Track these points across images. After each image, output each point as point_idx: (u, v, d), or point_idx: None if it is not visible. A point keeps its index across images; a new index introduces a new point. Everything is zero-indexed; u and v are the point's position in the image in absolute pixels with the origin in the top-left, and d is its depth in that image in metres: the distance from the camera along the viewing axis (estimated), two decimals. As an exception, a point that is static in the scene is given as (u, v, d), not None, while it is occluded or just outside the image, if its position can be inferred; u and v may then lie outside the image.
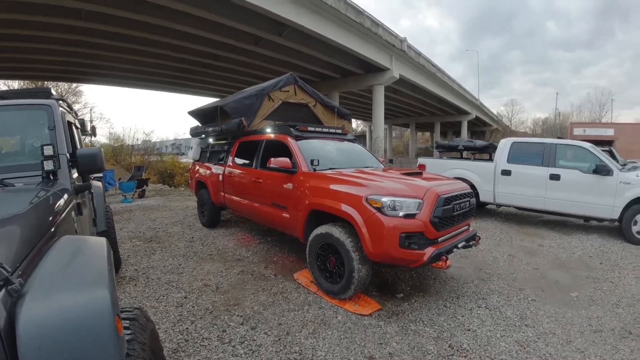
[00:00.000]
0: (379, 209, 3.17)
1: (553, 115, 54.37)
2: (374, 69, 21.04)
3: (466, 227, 3.93)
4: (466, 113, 41.02)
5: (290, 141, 4.50)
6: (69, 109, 3.51)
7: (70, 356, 1.04)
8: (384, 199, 3.16)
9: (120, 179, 11.45)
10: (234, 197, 5.57)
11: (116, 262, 4.28)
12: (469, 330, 3.05)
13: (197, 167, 7.04)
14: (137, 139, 24.07)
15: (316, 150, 4.57)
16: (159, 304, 3.48)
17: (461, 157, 9.07)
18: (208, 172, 6.44)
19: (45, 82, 24.75)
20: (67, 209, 2.16)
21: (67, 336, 1.05)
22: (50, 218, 1.81)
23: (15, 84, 26.84)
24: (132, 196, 10.34)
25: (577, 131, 27.31)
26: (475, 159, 8.38)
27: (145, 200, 10.29)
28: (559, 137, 9.15)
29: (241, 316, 3.23)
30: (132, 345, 1.33)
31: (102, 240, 1.73)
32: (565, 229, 6.93)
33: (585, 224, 7.13)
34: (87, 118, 28.74)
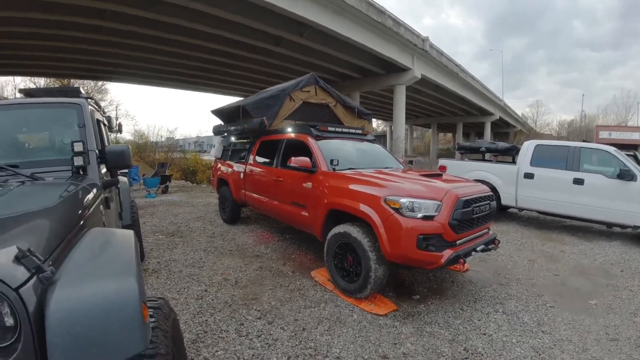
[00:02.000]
0: (397, 210, 3.18)
1: (579, 117, 52.71)
2: (395, 69, 20.88)
3: (486, 230, 3.90)
4: (489, 114, 40.15)
5: (311, 141, 4.56)
6: (97, 107, 3.65)
7: (98, 340, 1.09)
8: (403, 200, 3.18)
9: (144, 174, 11.77)
10: (254, 194, 5.67)
11: (140, 255, 4.44)
12: (484, 334, 3.04)
13: (219, 165, 7.19)
14: (161, 136, 24.70)
15: (336, 150, 4.61)
16: (180, 296, 3.61)
17: (483, 159, 8.93)
18: (230, 170, 6.57)
19: (72, 80, 25.59)
20: (96, 203, 2.25)
21: (95, 321, 1.10)
22: (80, 211, 1.89)
23: (41, 81, 27.90)
24: (155, 192, 10.60)
25: (603, 134, 26.26)
26: (497, 162, 8.24)
27: (169, 196, 10.54)
28: (584, 140, 8.90)
29: (259, 311, 3.31)
30: (155, 333, 1.39)
31: (130, 233, 1.81)
32: (588, 234, 6.75)
33: (608, 230, 6.94)
34: (113, 115, 29.67)
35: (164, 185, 11.16)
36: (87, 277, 1.26)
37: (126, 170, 8.09)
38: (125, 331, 1.14)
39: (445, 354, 2.72)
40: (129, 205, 4.17)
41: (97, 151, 2.71)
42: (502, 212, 8.14)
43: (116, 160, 2.66)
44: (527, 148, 7.25)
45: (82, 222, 1.82)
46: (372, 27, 16.60)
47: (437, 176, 4.09)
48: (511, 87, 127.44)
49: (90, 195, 2.20)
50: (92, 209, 2.10)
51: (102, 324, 1.11)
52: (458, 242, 3.32)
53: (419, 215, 3.15)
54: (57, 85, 27.39)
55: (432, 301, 3.64)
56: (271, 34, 15.10)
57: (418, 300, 3.66)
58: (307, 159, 4.23)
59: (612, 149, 6.50)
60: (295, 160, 4.22)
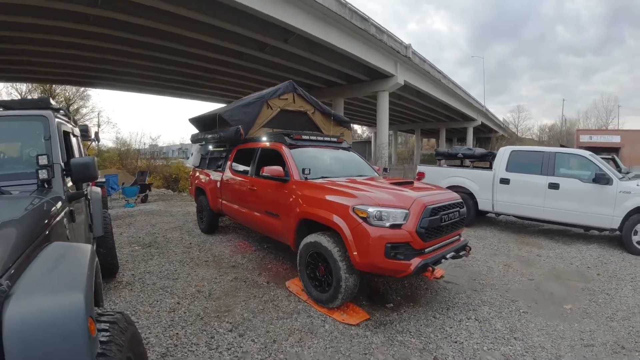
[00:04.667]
0: (365, 219, 3.19)
1: (560, 121, 54.03)
2: (379, 76, 21.11)
3: (457, 237, 3.93)
4: (472, 119, 40.85)
5: (284, 149, 4.55)
6: (67, 119, 3.60)
7: (47, 350, 1.19)
8: (370, 209, 3.19)
9: (123, 183, 11.58)
10: (230, 204, 5.63)
11: (113, 267, 4.35)
12: (455, 342, 3.05)
13: (197, 174, 7.14)
14: (144, 144, 24.32)
15: (310, 159, 4.62)
16: (152, 309, 3.54)
17: (461, 165, 9.06)
18: (207, 178, 6.52)
19: (53, 85, 25.10)
20: (60, 216, 2.25)
21: (44, 333, 1.19)
22: (42, 225, 1.90)
23: (23, 87, 27.41)
24: (134, 201, 10.44)
25: (584, 138, 26.97)
26: (474, 167, 8.36)
27: (148, 205, 10.40)
28: (562, 145, 9.09)
29: (230, 323, 3.27)
30: (108, 346, 1.43)
31: (87, 248, 1.84)
32: (565, 238, 6.88)
33: (586, 234, 7.08)
34: (94, 122, 29.18)
35: (143, 194, 11.00)
36: (39, 292, 1.33)
37: (103, 180, 7.97)
38: (70, 344, 1.22)
39: (415, 363, 2.72)
40: (101, 216, 4.09)
41: (62, 164, 2.68)
42: (480, 217, 8.25)
43: (81, 172, 2.63)
44: (503, 154, 7.37)
45: (42, 236, 1.84)
46: (355, 34, 16.76)
47: (408, 184, 4.12)
48: (495, 93, 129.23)
49: (54, 209, 2.20)
50: (54, 223, 2.11)
51: (50, 336, 1.20)
52: (427, 250, 3.33)
53: (387, 224, 3.16)
54: (39, 91, 26.94)
55: (405, 309, 3.64)
56: (256, 40, 15.13)
57: (391, 308, 3.66)
58: (279, 168, 4.23)
59: (587, 154, 6.65)
60: (267, 170, 4.21)
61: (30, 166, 2.50)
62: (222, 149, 6.35)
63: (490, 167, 7.88)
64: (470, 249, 3.89)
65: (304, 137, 4.94)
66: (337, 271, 3.33)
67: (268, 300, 3.78)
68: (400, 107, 31.90)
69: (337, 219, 3.38)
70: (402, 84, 21.74)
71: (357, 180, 4.18)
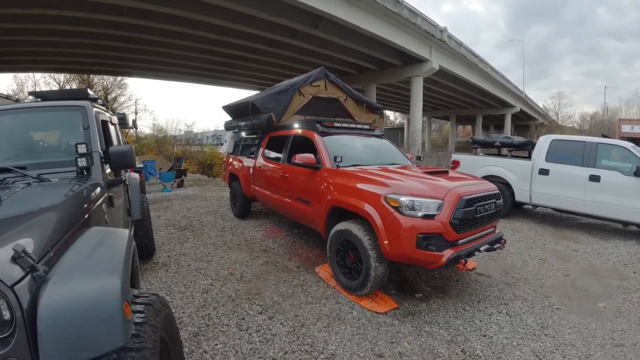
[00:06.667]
0: (397, 209, 3.16)
1: (601, 110, 50.79)
2: (413, 60, 20.53)
3: (492, 229, 3.83)
4: (510, 106, 39.11)
5: (316, 137, 4.56)
6: (104, 108, 3.74)
7: (81, 334, 1.21)
8: (403, 199, 3.15)
9: (160, 169, 12.01)
10: (263, 190, 5.73)
11: (150, 249, 4.55)
12: (484, 336, 3.00)
13: (231, 160, 7.30)
14: (180, 130, 25.00)
15: (341, 146, 4.61)
16: (186, 290, 3.70)
17: (498, 154, 8.74)
18: (240, 165, 6.66)
19: (91, 76, 26.06)
20: (98, 202, 2.32)
21: (79, 317, 1.22)
22: (80, 211, 1.96)
23: (61, 77, 28.70)
24: (171, 186, 10.83)
25: (626, 128, 25.05)
26: (512, 157, 8.05)
27: (184, 190, 10.76)
28: (603, 135, 8.57)
29: (261, 305, 3.37)
30: (143, 327, 1.48)
31: (125, 232, 1.89)
32: (603, 233, 6.56)
33: (624, 229, 6.73)
34: (131, 109, 30.29)
35: (179, 179, 11.38)
36: (76, 276, 1.37)
37: (141, 166, 8.30)
38: (106, 327, 1.25)
39: (442, 355, 2.71)
40: (139, 201, 4.27)
41: (100, 152, 2.77)
42: (517, 209, 7.98)
43: (119, 160, 2.71)
44: (543, 143, 7.04)
45: (81, 222, 1.89)
46: (388, 18, 16.34)
47: (443, 173, 4.03)
48: (536, 77, 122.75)
49: (92, 195, 2.26)
50: (93, 208, 2.17)
51: (85, 319, 1.22)
52: (460, 241, 3.27)
53: (419, 214, 3.11)
54: (77, 81, 28.20)
55: (435, 300, 3.61)
56: (287, 27, 15.08)
57: (420, 298, 3.64)
58: (311, 156, 4.24)
59: (629, 145, 6.28)
60: (299, 157, 4.24)
61: (70, 154, 2.58)
62: (255, 136, 6.44)
63: (529, 157, 7.56)
64: (505, 242, 3.78)
65: (336, 124, 4.93)
66: (366, 259, 3.34)
67: (297, 284, 3.86)
68: (435, 92, 30.97)
69: (368, 208, 3.37)
70: (437, 68, 21.05)
71: (390, 169, 4.13)
